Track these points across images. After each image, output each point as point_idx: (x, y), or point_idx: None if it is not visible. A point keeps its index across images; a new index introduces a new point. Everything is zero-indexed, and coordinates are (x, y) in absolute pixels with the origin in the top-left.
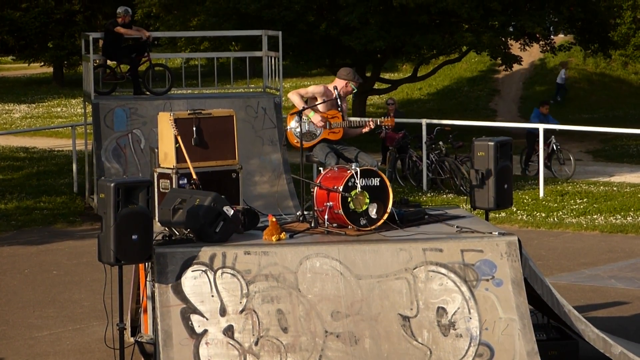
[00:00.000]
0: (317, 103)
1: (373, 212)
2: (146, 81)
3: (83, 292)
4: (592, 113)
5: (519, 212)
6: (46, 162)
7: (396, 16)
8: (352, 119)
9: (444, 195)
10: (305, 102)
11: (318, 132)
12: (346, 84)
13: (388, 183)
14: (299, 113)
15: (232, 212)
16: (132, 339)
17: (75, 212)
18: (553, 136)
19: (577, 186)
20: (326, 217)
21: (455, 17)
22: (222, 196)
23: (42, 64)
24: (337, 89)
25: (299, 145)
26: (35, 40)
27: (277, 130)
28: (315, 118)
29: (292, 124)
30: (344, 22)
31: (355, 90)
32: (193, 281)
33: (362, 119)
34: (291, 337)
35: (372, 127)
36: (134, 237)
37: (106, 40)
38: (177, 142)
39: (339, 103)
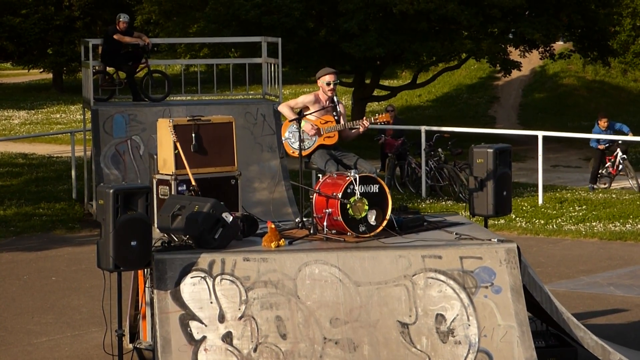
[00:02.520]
0: (309, 112)
1: (372, 219)
2: (144, 88)
3: (82, 299)
4: (592, 120)
5: (518, 219)
6: (45, 169)
7: (396, 23)
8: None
9: (443, 202)
10: (298, 112)
11: (313, 139)
12: (318, 83)
13: (387, 190)
14: (298, 121)
15: (231, 218)
16: (130, 346)
17: (74, 218)
18: (619, 148)
19: (576, 193)
20: (325, 223)
21: (454, 24)
22: (221, 203)
23: (42, 70)
24: (324, 92)
25: (295, 154)
26: (34, 46)
27: (276, 137)
28: (307, 127)
29: (287, 135)
30: (343, 29)
31: (331, 82)
32: (192, 287)
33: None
34: (290, 344)
35: (367, 126)
36: (133, 243)
37: (105, 47)
38: (176, 148)
39: (335, 106)
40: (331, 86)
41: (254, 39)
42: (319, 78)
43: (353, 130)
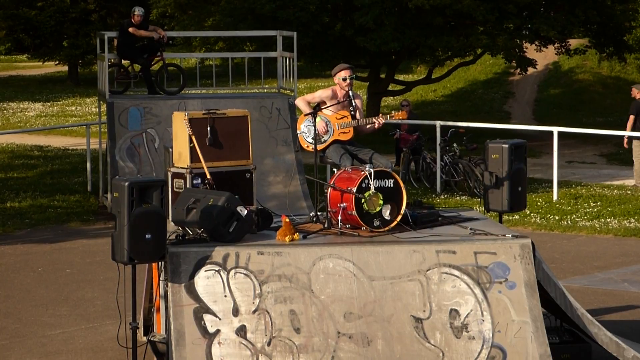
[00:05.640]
0: (325, 106)
1: (387, 214)
2: (159, 81)
3: (96, 291)
4: (607, 116)
5: (532, 214)
6: (60, 161)
7: (411, 18)
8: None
9: (458, 197)
10: (314, 107)
11: (328, 134)
12: (335, 79)
13: (402, 184)
14: (313, 115)
15: (245, 212)
16: (144, 338)
17: (89, 210)
18: None
19: (591, 189)
20: (340, 218)
21: (470, 19)
22: (236, 196)
23: (57, 62)
24: (341, 88)
25: (309, 149)
26: (50, 38)
27: (291, 131)
28: (320, 124)
29: (302, 129)
30: (358, 23)
31: (348, 77)
32: (206, 281)
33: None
34: (304, 338)
35: (382, 122)
36: (147, 236)
37: (120, 40)
38: (191, 141)
39: (351, 101)
40: (348, 81)
41: (269, 33)
42: (334, 74)
43: (368, 126)
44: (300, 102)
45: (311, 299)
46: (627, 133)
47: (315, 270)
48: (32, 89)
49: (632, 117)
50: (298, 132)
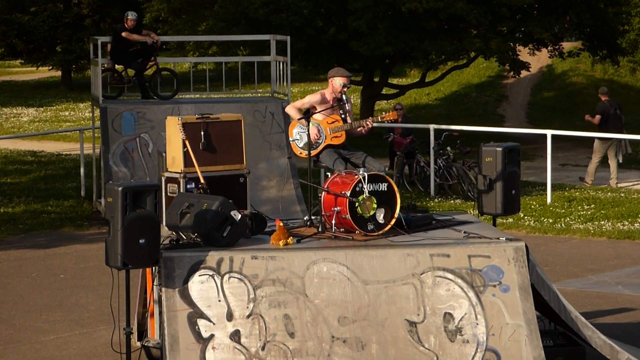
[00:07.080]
0: (316, 111)
1: (380, 217)
2: (153, 85)
3: (90, 296)
4: None
5: (526, 217)
6: (54, 166)
7: (405, 22)
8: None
9: (452, 201)
10: (305, 112)
11: (320, 140)
12: (330, 81)
13: (396, 188)
14: (306, 120)
15: (239, 216)
16: (138, 344)
17: (82, 216)
18: None
19: (585, 192)
20: (333, 222)
21: (463, 22)
22: (230, 200)
23: (51, 67)
24: (332, 92)
25: (302, 155)
26: (43, 44)
27: (284, 135)
28: (312, 131)
29: (294, 136)
30: (352, 27)
31: (345, 85)
32: (200, 285)
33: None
34: (298, 342)
35: (371, 125)
36: (141, 241)
37: (114, 45)
38: (185, 146)
39: (342, 105)
40: (345, 88)
41: (262, 37)
42: (332, 77)
43: (359, 129)
44: (290, 110)
45: (305, 303)
46: (611, 135)
47: (310, 274)
48: (26, 94)
49: (597, 117)
50: (290, 139)
